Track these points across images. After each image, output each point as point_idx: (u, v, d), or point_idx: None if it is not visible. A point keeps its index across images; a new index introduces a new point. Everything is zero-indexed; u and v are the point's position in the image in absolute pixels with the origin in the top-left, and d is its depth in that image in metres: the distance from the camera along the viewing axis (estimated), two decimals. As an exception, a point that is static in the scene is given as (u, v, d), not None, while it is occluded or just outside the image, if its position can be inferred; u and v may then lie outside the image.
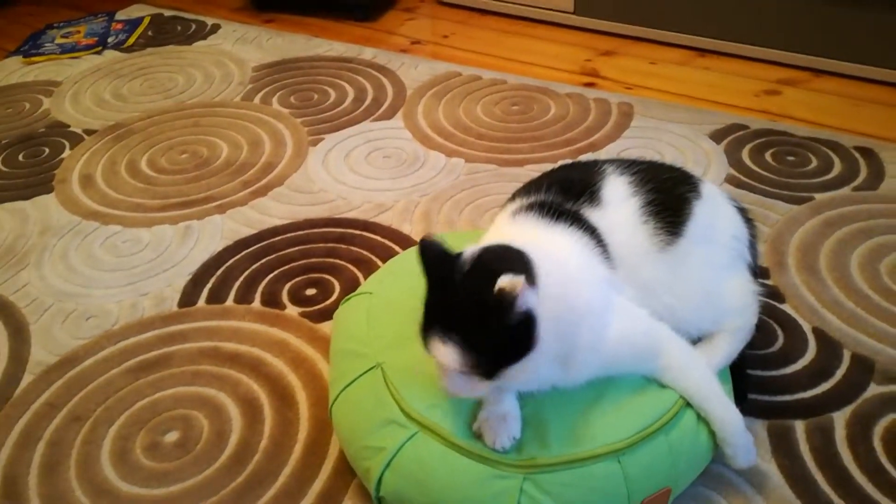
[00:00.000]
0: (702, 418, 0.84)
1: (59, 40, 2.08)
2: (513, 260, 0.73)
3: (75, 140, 1.64)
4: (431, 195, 1.41)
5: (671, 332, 0.84)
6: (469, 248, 0.75)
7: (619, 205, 0.86)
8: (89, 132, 1.66)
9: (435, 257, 0.74)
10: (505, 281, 0.66)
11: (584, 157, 1.49)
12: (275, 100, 1.75)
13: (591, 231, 0.82)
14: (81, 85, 1.86)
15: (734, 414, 0.84)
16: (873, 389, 1.00)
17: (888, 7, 1.60)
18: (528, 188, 0.91)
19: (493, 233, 0.85)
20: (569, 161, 1.05)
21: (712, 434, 0.84)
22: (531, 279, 0.71)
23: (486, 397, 0.81)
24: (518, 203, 0.87)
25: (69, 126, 1.69)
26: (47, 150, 1.61)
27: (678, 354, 0.84)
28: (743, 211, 0.96)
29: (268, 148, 1.58)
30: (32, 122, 1.71)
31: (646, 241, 0.85)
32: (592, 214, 0.85)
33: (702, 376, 0.84)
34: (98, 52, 2.02)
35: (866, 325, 1.09)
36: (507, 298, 0.67)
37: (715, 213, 0.91)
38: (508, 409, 0.79)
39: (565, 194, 0.86)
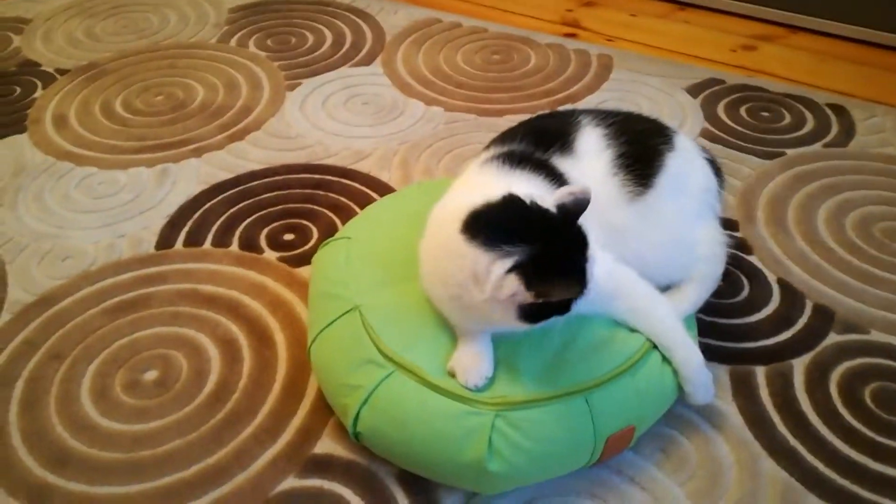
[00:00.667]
0: (666, 361, 0.87)
1: (27, -25, 2.02)
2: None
3: (48, 79, 1.61)
4: (410, 143, 1.41)
5: (635, 276, 0.87)
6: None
7: (591, 157, 0.88)
8: (62, 72, 1.63)
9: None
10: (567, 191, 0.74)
11: (564, 108, 1.49)
12: (251, 42, 1.72)
13: (556, 177, 0.84)
14: (53, 22, 1.81)
15: (695, 354, 0.88)
16: (832, 339, 1.04)
17: (867, -36, 1.61)
18: (504, 137, 0.92)
19: (461, 181, 0.87)
20: (548, 111, 1.05)
21: (676, 376, 0.88)
22: None
23: (461, 338, 0.83)
24: (491, 152, 0.88)
25: (41, 65, 1.65)
26: (19, 90, 1.58)
27: (642, 296, 0.87)
28: (713, 162, 0.98)
29: (244, 91, 1.56)
30: (2, 61, 1.67)
31: (615, 192, 0.88)
32: (562, 163, 0.87)
33: (665, 318, 0.88)
34: (69, -11, 1.96)
35: (829, 277, 1.13)
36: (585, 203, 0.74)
37: (687, 165, 0.94)
38: (482, 349, 0.82)
39: (537, 144, 0.88)
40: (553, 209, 0.74)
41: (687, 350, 0.88)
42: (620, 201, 0.88)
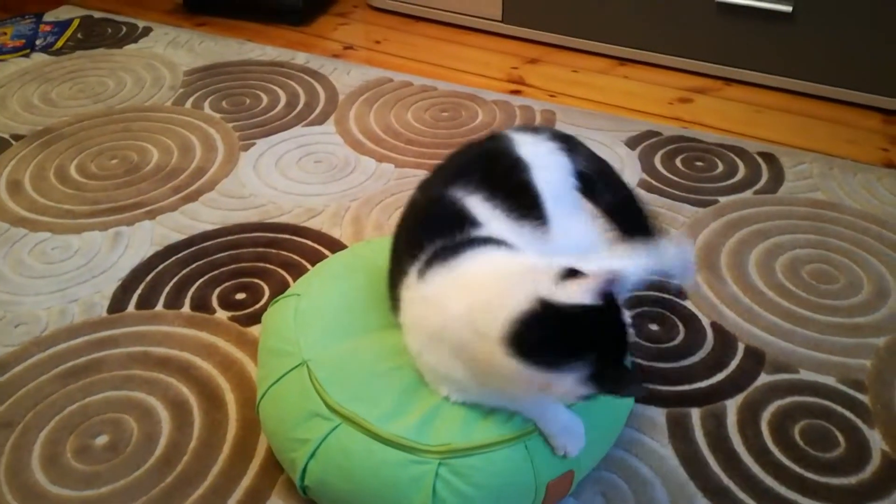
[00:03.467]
0: (605, 406, 0.91)
1: (-16, 42, 2.05)
2: None
3: (3, 146, 1.63)
4: (361, 200, 1.46)
5: None
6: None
7: (492, 223, 0.90)
8: (17, 137, 1.65)
9: None
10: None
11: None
12: (206, 104, 1.77)
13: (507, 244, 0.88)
14: (9, 89, 1.84)
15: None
16: (763, 379, 1.09)
17: (787, 20, 1.71)
18: (412, 245, 0.91)
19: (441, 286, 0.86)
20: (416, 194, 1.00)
21: (612, 424, 0.92)
22: None
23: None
24: (427, 255, 0.88)
25: (-5, 131, 1.68)
26: (-27, 156, 1.60)
27: None
28: (566, 140, 1.01)
29: (199, 153, 1.60)
30: (-43, 127, 1.69)
31: (532, 236, 0.91)
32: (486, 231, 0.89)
33: None
34: (26, 55, 1.99)
35: (759, 320, 1.18)
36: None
37: (548, 171, 0.96)
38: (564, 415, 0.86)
39: (459, 228, 0.88)
40: (590, 300, 0.74)
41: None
42: (539, 241, 0.92)
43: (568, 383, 0.74)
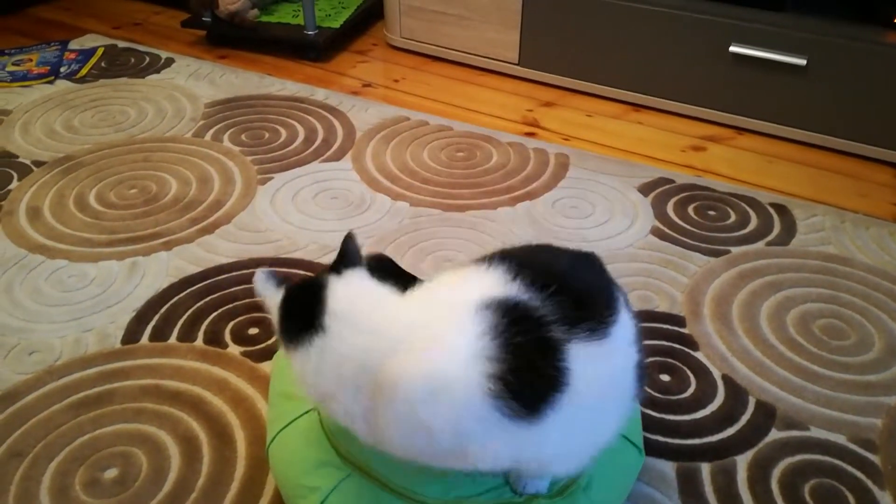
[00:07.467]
0: (617, 472, 0.91)
1: (10, 68, 2.09)
2: None
3: (24, 171, 1.65)
4: (376, 237, 1.47)
5: None
6: None
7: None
8: (38, 164, 1.68)
9: None
10: None
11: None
12: (226, 137, 1.79)
13: None
14: (32, 115, 1.87)
15: None
16: (774, 435, 1.09)
17: (802, 72, 1.74)
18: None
19: None
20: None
21: (625, 486, 0.91)
22: None
23: None
24: None
25: (18, 156, 1.70)
26: (-6, 181, 1.62)
27: None
28: None
29: (217, 185, 1.62)
30: (-20, 152, 1.72)
31: None
32: None
33: None
34: (50, 82, 2.03)
35: (771, 374, 1.18)
36: None
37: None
38: None
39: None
40: None
41: None
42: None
43: None
